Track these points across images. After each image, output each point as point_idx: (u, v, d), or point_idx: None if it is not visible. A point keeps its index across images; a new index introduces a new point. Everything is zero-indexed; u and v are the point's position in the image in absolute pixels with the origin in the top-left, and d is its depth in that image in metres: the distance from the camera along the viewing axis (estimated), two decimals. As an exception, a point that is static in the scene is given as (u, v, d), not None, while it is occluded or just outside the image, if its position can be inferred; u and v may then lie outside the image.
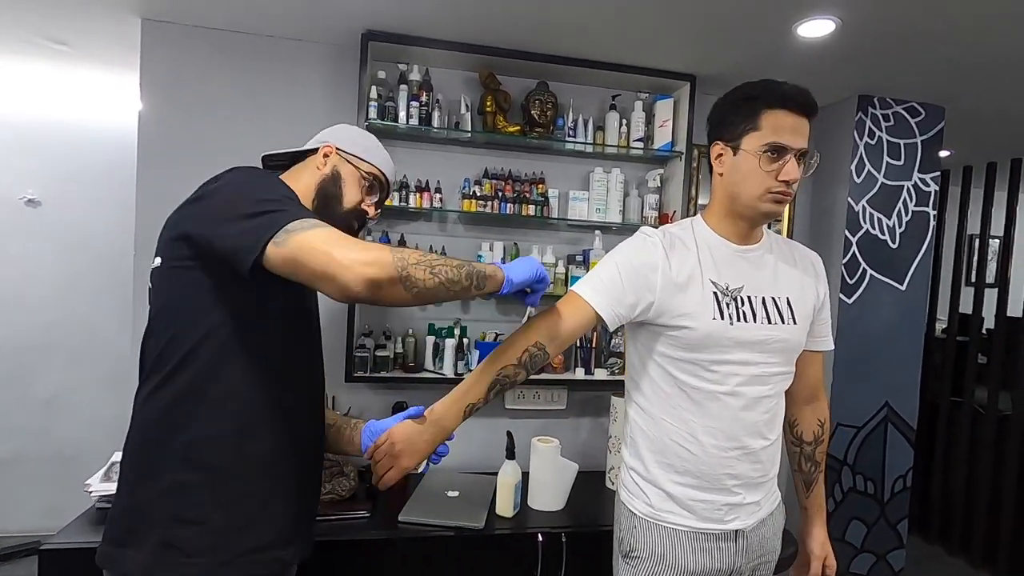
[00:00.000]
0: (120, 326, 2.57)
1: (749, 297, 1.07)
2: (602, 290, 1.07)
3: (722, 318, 1.04)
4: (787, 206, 1.08)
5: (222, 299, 0.93)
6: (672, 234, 1.11)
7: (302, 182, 1.08)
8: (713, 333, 1.04)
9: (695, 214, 2.14)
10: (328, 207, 1.07)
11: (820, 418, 1.24)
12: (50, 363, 2.63)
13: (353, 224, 1.11)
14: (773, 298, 1.09)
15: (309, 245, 0.82)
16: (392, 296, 0.85)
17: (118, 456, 1.68)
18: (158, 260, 0.99)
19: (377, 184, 1.14)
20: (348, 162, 1.11)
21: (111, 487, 1.55)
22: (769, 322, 1.07)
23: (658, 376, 1.10)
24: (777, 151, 1.00)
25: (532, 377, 2.00)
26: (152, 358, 0.97)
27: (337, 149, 1.11)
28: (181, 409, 0.93)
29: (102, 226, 2.63)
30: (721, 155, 1.07)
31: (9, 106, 2.53)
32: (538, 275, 1.03)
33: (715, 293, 1.06)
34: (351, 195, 1.10)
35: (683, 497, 1.08)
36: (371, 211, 1.14)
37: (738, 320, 1.05)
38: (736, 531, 1.09)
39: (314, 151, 1.12)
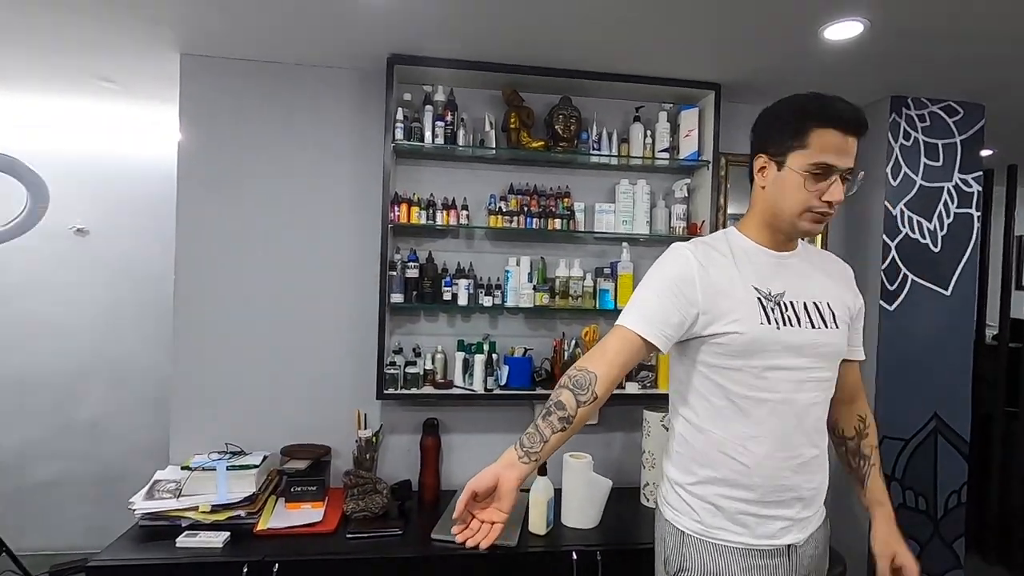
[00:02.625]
0: (159, 351, 2.66)
1: (792, 302, 1.06)
2: (647, 316, 1.04)
3: (769, 322, 1.03)
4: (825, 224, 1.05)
5: None
6: (706, 244, 1.10)
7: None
8: (761, 338, 1.02)
9: (724, 223, 2.13)
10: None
11: (860, 413, 1.21)
12: (95, 387, 2.74)
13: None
14: (815, 303, 1.08)
15: None
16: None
17: (160, 475, 1.73)
18: None
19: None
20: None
21: (154, 505, 1.60)
22: (813, 326, 1.05)
23: (705, 387, 1.07)
24: (823, 171, 0.99)
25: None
26: None
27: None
28: None
29: (145, 254, 2.73)
30: (764, 168, 1.06)
31: (59, 141, 2.68)
32: None
33: (759, 299, 1.04)
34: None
35: (734, 511, 1.05)
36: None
37: (785, 324, 1.03)
38: (788, 546, 1.06)
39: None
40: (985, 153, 2.34)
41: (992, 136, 2.31)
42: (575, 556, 1.56)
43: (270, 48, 1.83)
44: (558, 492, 1.76)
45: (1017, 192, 2.92)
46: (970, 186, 2.13)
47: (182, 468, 1.70)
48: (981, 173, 2.14)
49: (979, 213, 2.14)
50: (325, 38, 1.75)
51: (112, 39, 1.75)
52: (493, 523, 0.94)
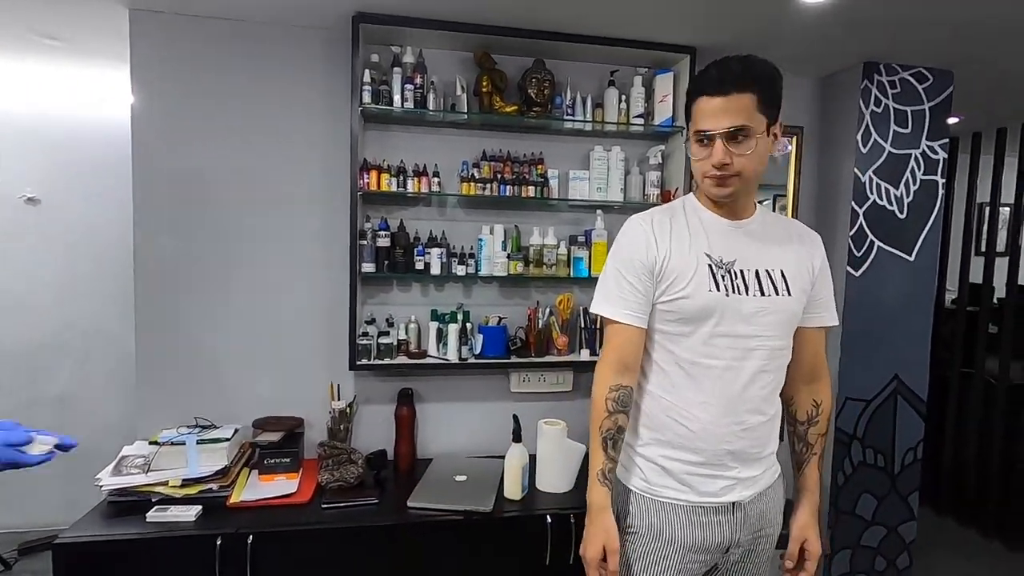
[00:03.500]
0: (125, 322, 2.57)
1: (742, 270, 1.08)
2: (629, 303, 1.10)
3: (718, 290, 1.05)
4: (734, 186, 1.05)
5: None
6: (660, 212, 1.15)
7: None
8: (709, 304, 1.05)
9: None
10: None
11: (816, 399, 1.21)
12: (59, 362, 2.65)
13: None
14: (767, 270, 1.09)
15: None
16: None
17: (127, 450, 1.69)
18: None
19: None
20: None
21: (121, 480, 1.57)
22: (762, 294, 1.07)
23: (656, 353, 1.12)
24: (705, 138, 1.03)
25: (536, 360, 1.99)
26: None
27: None
28: None
29: (102, 222, 2.62)
30: (687, 142, 1.12)
31: (3, 105, 2.52)
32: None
33: (710, 266, 1.07)
34: None
35: (679, 472, 1.09)
36: None
37: (733, 292, 1.06)
38: (733, 503, 1.10)
39: None
40: (952, 120, 2.37)
41: (959, 103, 2.34)
42: (550, 520, 1.59)
43: (226, 4, 1.73)
44: (533, 459, 1.78)
45: (980, 160, 2.99)
46: (936, 153, 2.17)
47: (150, 443, 1.66)
48: (948, 140, 2.18)
49: (944, 180, 2.18)
50: (285, -6, 1.65)
51: (53, -8, 1.63)
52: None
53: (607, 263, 1.16)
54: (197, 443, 1.66)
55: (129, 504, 1.55)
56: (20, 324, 2.61)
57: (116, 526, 1.46)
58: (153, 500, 1.56)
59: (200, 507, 1.53)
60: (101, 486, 1.56)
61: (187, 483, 1.59)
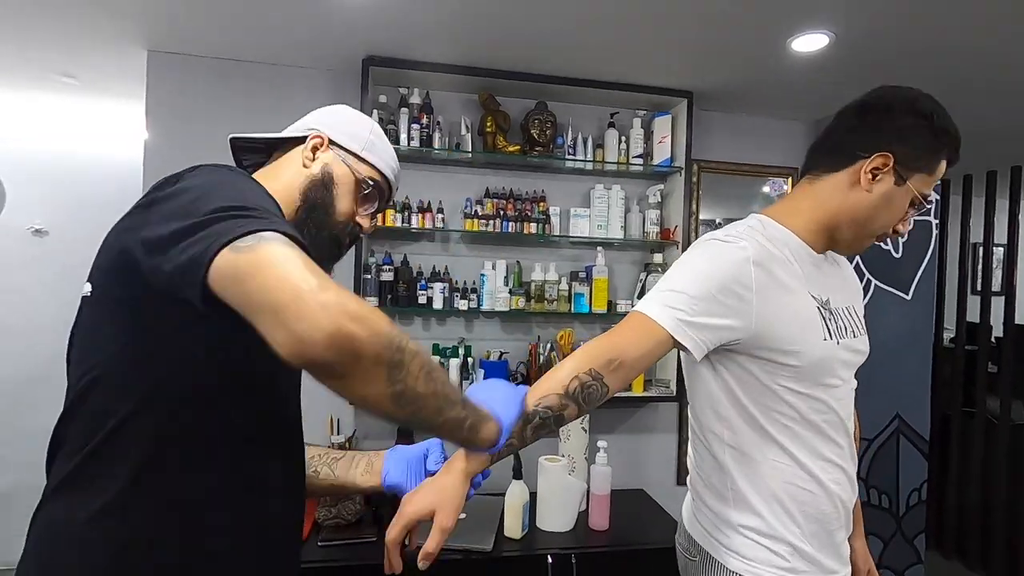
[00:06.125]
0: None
1: (837, 309, 0.93)
2: (680, 311, 0.83)
3: (830, 337, 0.89)
4: None
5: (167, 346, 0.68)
6: (755, 239, 0.88)
7: (282, 181, 0.83)
8: (825, 357, 0.88)
9: (697, 229, 2.17)
10: (314, 217, 0.82)
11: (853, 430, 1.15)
12: (50, 394, 2.62)
13: (343, 240, 0.86)
14: (847, 308, 0.96)
15: (278, 263, 0.54)
16: (365, 379, 0.57)
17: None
18: (88, 288, 0.74)
19: (376, 191, 0.87)
20: (344, 162, 0.85)
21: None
22: (854, 335, 0.94)
23: (756, 411, 0.90)
24: (922, 202, 0.89)
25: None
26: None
27: (330, 142, 0.85)
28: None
29: (108, 254, 2.65)
30: (879, 171, 0.87)
31: (16, 139, 2.58)
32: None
33: (818, 308, 0.90)
34: (344, 204, 0.84)
35: (811, 551, 0.90)
36: (366, 224, 0.88)
37: (842, 337, 0.91)
38: None
39: (300, 140, 0.86)
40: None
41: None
42: (551, 560, 1.56)
43: (242, 47, 1.80)
44: (533, 496, 1.76)
45: (972, 201, 3.05)
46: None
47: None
48: (939, 183, 2.23)
49: (937, 221, 2.23)
50: (299, 38, 1.72)
51: (75, 33, 1.70)
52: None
53: (678, 270, 0.91)
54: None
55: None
56: (11, 355, 2.60)
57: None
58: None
59: (195, 544, 1.50)
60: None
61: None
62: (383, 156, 0.89)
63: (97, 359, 0.69)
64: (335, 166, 0.84)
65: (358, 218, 0.87)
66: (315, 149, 0.84)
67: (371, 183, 0.86)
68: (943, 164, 0.88)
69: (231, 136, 0.92)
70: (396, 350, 0.58)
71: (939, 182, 2.23)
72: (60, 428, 0.71)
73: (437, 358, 1.93)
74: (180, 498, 0.68)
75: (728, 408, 0.92)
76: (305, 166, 0.84)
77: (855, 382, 0.99)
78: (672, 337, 0.83)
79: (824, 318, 0.89)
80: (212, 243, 0.56)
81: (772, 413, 0.89)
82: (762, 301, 0.84)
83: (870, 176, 0.87)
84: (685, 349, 0.85)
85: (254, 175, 0.83)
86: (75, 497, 0.67)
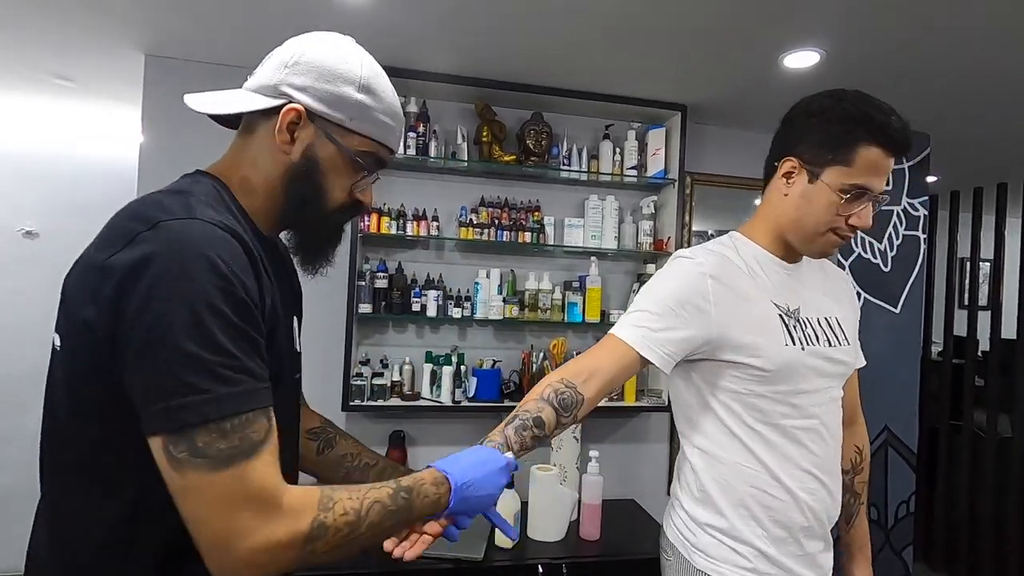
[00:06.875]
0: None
1: (808, 318, 0.96)
2: (644, 328, 0.90)
3: (794, 343, 0.92)
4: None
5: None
6: (716, 254, 0.96)
7: (260, 169, 0.70)
8: (789, 362, 0.91)
9: (689, 240, 2.19)
10: (305, 213, 0.71)
11: (858, 444, 1.12)
12: (37, 396, 2.60)
13: (343, 223, 0.77)
14: (826, 318, 0.99)
15: (208, 498, 0.54)
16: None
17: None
18: (57, 340, 0.65)
19: (375, 161, 0.74)
20: (329, 137, 0.69)
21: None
22: (830, 344, 0.96)
23: (726, 416, 0.94)
24: (859, 193, 0.88)
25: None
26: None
27: (308, 111, 0.68)
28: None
29: (99, 257, 2.63)
30: (792, 174, 0.93)
31: (9, 139, 2.56)
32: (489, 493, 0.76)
33: (780, 316, 0.93)
34: (338, 189, 0.72)
35: (776, 555, 0.93)
36: (367, 199, 0.76)
37: (808, 344, 0.93)
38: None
39: (274, 111, 0.68)
40: (930, 179, 2.48)
41: (936, 164, 2.45)
42: (541, 569, 1.56)
43: (240, 53, 1.81)
44: (524, 505, 1.75)
45: (959, 217, 3.10)
46: (917, 210, 2.25)
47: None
48: (927, 198, 2.27)
49: (925, 235, 2.26)
50: (297, 45, 1.73)
51: (73, 36, 1.70)
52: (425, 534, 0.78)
53: (643, 294, 0.97)
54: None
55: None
56: (5, 356, 2.57)
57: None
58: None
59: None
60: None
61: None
62: (379, 117, 0.72)
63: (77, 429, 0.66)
64: (319, 147, 0.69)
65: (357, 195, 0.74)
66: (291, 126, 0.68)
67: (367, 155, 0.72)
68: (865, 150, 0.87)
69: (185, 95, 0.81)
70: (310, 553, 0.61)
71: (928, 196, 2.25)
72: (44, 444, 0.69)
73: (430, 366, 1.93)
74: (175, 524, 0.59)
75: (699, 412, 0.97)
76: (284, 151, 0.68)
77: (840, 392, 1.00)
78: (639, 354, 0.89)
79: (788, 325, 0.93)
80: (163, 424, 0.55)
81: (743, 416, 0.93)
82: (721, 311, 0.90)
83: (784, 181, 0.94)
84: (653, 364, 0.90)
85: (229, 152, 0.75)
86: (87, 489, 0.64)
